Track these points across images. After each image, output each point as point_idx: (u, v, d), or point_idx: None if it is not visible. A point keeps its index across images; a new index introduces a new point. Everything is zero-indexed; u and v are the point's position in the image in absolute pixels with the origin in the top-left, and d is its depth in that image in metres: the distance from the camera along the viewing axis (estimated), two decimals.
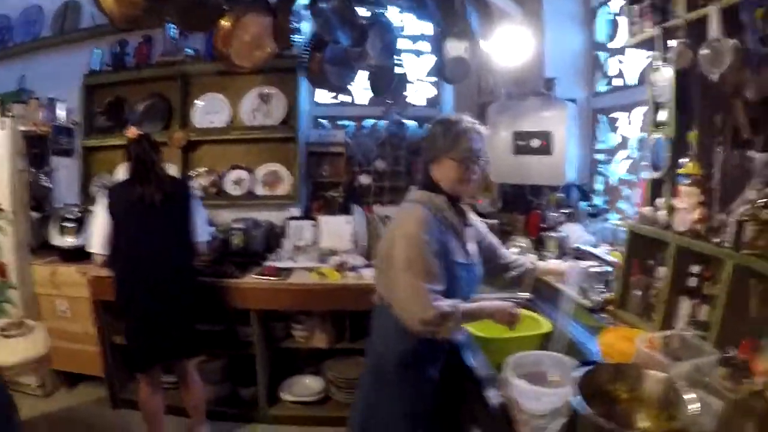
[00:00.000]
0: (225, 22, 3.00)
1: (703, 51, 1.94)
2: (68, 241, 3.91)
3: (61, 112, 4.46)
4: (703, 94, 2.30)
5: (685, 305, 2.18)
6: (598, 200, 3.71)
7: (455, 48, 3.28)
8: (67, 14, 4.72)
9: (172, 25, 4.20)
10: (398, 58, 3.86)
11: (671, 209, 2.27)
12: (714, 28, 1.93)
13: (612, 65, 3.71)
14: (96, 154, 4.53)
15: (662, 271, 2.32)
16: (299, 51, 3.42)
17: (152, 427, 3.20)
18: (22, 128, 4.02)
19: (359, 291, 3.25)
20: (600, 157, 3.81)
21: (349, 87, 3.99)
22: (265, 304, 3.51)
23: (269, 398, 3.71)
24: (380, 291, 2.18)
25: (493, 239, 2.53)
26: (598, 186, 3.79)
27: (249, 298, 3.50)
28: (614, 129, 3.67)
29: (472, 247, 2.21)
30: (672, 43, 2.20)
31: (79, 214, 3.98)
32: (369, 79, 3.68)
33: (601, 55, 3.81)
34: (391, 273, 1.99)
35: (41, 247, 4.09)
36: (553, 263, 2.73)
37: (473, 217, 2.37)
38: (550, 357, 2.11)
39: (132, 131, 3.13)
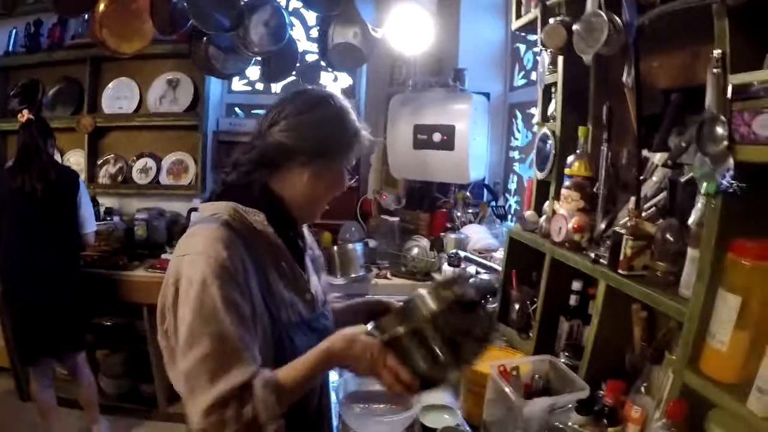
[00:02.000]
0: (101, 5, 2.57)
1: (576, 27, 1.43)
2: None
3: None
4: (598, 82, 1.82)
5: (564, 326, 1.70)
6: (512, 201, 3.21)
7: (341, 33, 2.74)
8: None
9: None
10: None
11: (552, 215, 1.78)
12: (592, 2, 1.42)
13: (531, 58, 3.20)
14: (11, 138, 3.92)
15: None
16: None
17: (46, 420, 2.83)
18: None
19: None
20: (515, 155, 3.30)
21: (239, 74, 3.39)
22: (155, 298, 2.96)
23: (170, 395, 3.21)
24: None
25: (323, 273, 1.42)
26: (512, 185, 3.29)
27: (139, 292, 3.01)
28: (531, 126, 3.17)
29: (316, 287, 1.25)
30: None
31: None
32: (260, 66, 3.16)
33: (522, 47, 3.30)
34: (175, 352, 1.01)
35: None
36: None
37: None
38: None
39: (22, 115, 2.73)
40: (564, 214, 1.68)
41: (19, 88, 3.83)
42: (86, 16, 3.65)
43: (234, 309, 0.96)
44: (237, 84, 3.97)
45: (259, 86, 3.96)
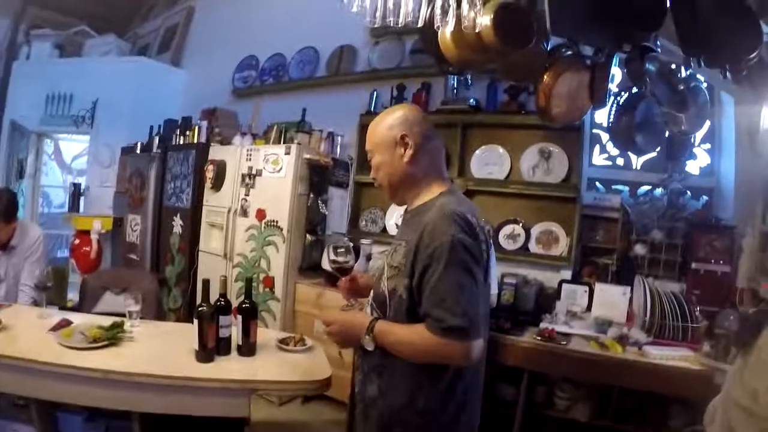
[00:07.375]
0: (547, 78, 3.02)
1: None
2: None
3: (338, 147, 4.71)
4: None
5: None
6: None
7: None
8: (343, 57, 5.09)
9: (455, 76, 4.26)
10: None
11: None
12: None
13: None
14: (366, 189, 4.76)
15: None
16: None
17: None
18: (307, 156, 4.30)
19: (639, 368, 3.03)
20: None
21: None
22: (539, 366, 3.33)
23: None
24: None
25: None
26: None
27: (525, 357, 3.34)
28: None
29: None
30: None
31: (350, 244, 4.10)
32: (667, 143, 3.47)
33: None
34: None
35: (308, 269, 4.37)
36: None
37: None
38: None
39: None
40: None
41: None
42: (452, 82, 4.31)
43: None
44: (597, 158, 4.33)
45: (620, 161, 4.28)
